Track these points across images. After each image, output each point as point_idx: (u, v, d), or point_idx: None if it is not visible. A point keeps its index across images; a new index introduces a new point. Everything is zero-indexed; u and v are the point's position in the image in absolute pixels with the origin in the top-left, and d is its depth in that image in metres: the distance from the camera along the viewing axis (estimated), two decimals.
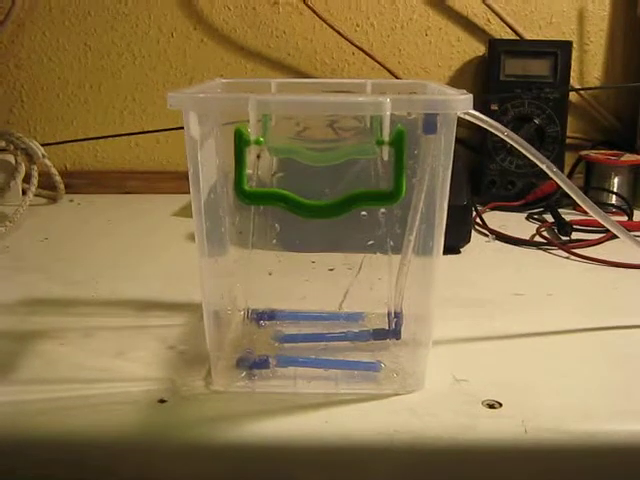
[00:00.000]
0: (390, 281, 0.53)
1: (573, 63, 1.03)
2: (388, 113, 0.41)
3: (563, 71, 1.00)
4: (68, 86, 1.09)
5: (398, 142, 0.41)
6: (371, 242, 0.50)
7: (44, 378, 0.50)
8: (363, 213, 0.48)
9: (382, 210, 0.49)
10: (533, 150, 0.53)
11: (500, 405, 0.47)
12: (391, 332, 0.54)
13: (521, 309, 0.64)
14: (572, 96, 1.06)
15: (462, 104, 0.43)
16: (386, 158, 0.42)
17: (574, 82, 1.06)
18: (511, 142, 0.52)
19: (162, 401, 0.47)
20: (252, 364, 0.50)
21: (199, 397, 0.48)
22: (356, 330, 0.55)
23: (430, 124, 0.46)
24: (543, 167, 0.54)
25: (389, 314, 0.54)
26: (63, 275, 0.71)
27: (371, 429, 0.44)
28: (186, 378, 0.50)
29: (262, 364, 0.49)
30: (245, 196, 0.42)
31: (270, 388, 0.48)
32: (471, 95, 0.43)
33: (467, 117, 0.47)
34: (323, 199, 0.45)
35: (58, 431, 0.44)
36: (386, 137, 0.41)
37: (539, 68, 1.00)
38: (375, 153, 0.53)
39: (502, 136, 0.51)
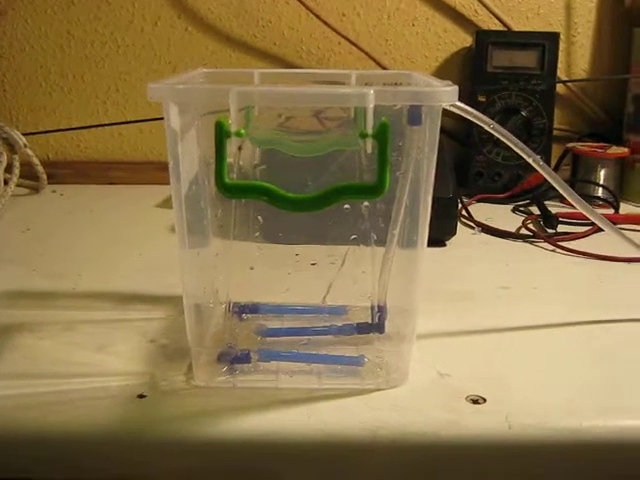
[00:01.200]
0: (374, 275, 0.52)
1: (560, 55, 1.02)
2: (371, 105, 0.40)
3: (550, 63, 1.00)
4: (50, 75, 1.07)
5: (382, 135, 0.40)
6: (354, 236, 0.49)
7: (22, 372, 0.49)
8: (346, 206, 0.47)
9: (365, 204, 0.48)
10: (519, 143, 0.52)
11: (484, 400, 0.46)
12: (375, 326, 0.53)
13: (507, 303, 0.63)
14: (559, 88, 1.05)
15: (447, 96, 0.42)
16: (370, 151, 0.41)
17: (561, 74, 1.05)
18: (497, 135, 0.51)
19: (142, 396, 0.46)
20: (233, 359, 0.49)
21: (179, 392, 0.47)
22: (340, 324, 0.54)
23: (415, 115, 0.46)
24: (529, 160, 0.53)
25: (372, 308, 0.53)
26: (44, 267, 0.70)
27: (354, 424, 0.44)
28: (166, 373, 0.49)
29: (244, 359, 0.49)
30: (226, 189, 0.42)
31: (252, 383, 0.48)
32: (456, 87, 0.43)
33: (453, 109, 0.47)
34: (306, 191, 0.44)
35: (36, 427, 0.43)
36: (369, 130, 0.41)
37: (526, 60, 1.00)
38: (358, 145, 0.53)
39: (488, 128, 0.51)
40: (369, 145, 0.41)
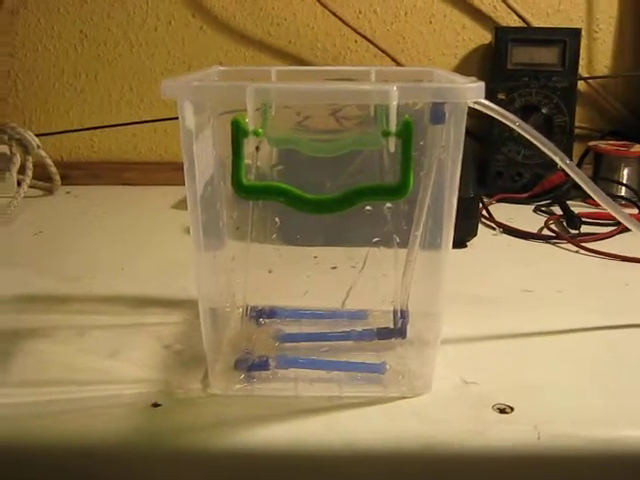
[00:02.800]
0: (396, 278, 0.51)
1: (581, 51, 1.00)
2: (395, 102, 0.38)
3: (571, 59, 0.98)
4: (64, 75, 1.06)
5: (405, 133, 0.39)
6: (377, 239, 0.48)
7: (34, 380, 0.48)
8: (368, 208, 0.46)
9: (388, 205, 0.46)
10: (545, 141, 0.50)
11: (511, 409, 0.44)
12: (396, 331, 0.51)
13: (531, 307, 0.61)
14: (580, 85, 1.03)
15: (473, 92, 0.40)
16: (392, 150, 0.39)
17: (582, 71, 1.03)
18: (523, 133, 0.50)
19: (156, 405, 0.45)
20: (251, 365, 0.47)
21: (195, 401, 0.45)
22: (360, 329, 0.52)
23: (438, 113, 0.44)
24: (556, 159, 0.51)
25: (395, 312, 0.51)
26: (57, 270, 0.69)
27: (376, 435, 0.42)
28: (182, 380, 0.48)
29: (261, 365, 0.47)
30: (243, 190, 0.40)
31: (270, 391, 0.46)
32: (482, 83, 0.41)
33: (477, 106, 0.45)
34: (325, 193, 0.43)
35: (45, 437, 0.42)
36: (393, 128, 0.39)
37: (547, 56, 0.98)
38: (380, 144, 0.51)
39: (514, 126, 0.49)
40: (392, 144, 0.39)
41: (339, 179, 0.50)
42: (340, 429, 0.42)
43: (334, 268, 0.53)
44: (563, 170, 0.97)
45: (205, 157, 0.47)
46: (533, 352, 0.53)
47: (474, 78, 0.43)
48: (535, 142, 0.50)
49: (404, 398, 0.46)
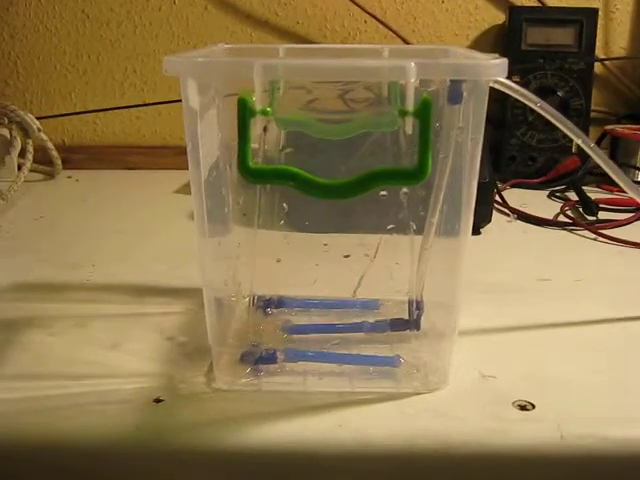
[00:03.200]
0: (411, 266, 0.48)
1: (598, 32, 0.97)
2: (413, 80, 0.36)
3: (588, 40, 0.95)
4: (65, 56, 1.04)
5: (424, 113, 0.36)
6: (391, 226, 0.45)
7: (30, 373, 0.46)
8: (383, 193, 0.43)
9: (404, 190, 0.44)
10: (568, 123, 0.48)
11: (533, 406, 0.42)
12: (411, 322, 0.49)
13: (549, 296, 0.59)
14: (596, 67, 1.00)
15: (496, 70, 0.38)
16: (410, 131, 0.37)
17: (599, 52, 1.00)
18: (544, 114, 0.47)
19: (158, 400, 0.42)
20: (258, 359, 0.45)
21: (199, 396, 0.43)
22: (372, 320, 0.50)
23: (456, 93, 0.41)
24: (579, 141, 0.49)
25: (409, 303, 0.49)
26: (57, 257, 0.67)
27: (390, 434, 0.40)
28: (185, 374, 0.45)
29: (269, 359, 0.45)
30: (250, 174, 0.37)
31: (277, 386, 0.44)
32: (506, 60, 0.38)
33: (497, 86, 0.42)
34: (337, 177, 0.40)
35: (42, 434, 0.40)
36: (410, 107, 0.36)
37: (563, 37, 0.95)
38: (394, 125, 0.48)
39: (535, 107, 0.46)
40: (409, 124, 0.37)
41: (351, 163, 0.47)
42: (351, 427, 0.40)
43: (346, 256, 0.51)
44: (578, 154, 0.95)
45: (210, 139, 0.44)
46: (553, 344, 0.50)
47: (496, 55, 0.41)
48: (557, 124, 0.48)
49: (419, 394, 0.43)
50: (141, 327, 0.52)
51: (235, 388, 0.44)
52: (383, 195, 0.43)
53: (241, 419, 0.41)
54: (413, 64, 0.35)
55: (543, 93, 0.95)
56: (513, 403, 0.42)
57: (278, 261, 0.49)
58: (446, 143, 0.43)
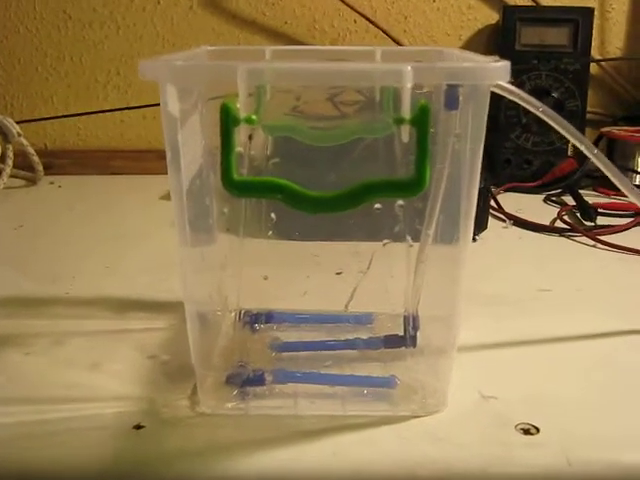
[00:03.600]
0: (407, 279, 0.46)
1: (594, 32, 0.95)
2: (409, 85, 0.33)
3: (584, 40, 0.93)
4: (47, 59, 1.01)
5: (421, 120, 0.34)
6: (386, 241, 0.43)
7: (2, 397, 0.43)
8: (377, 206, 0.40)
9: (400, 202, 0.41)
10: (571, 128, 0.46)
11: (537, 430, 0.40)
12: (406, 339, 0.46)
13: (549, 308, 0.56)
14: (592, 68, 0.98)
15: (498, 73, 0.35)
16: (406, 140, 0.34)
17: (594, 52, 0.98)
18: (547, 119, 0.45)
19: (138, 427, 0.40)
20: (245, 381, 0.42)
21: (182, 421, 0.40)
22: (365, 336, 0.47)
23: (453, 97, 0.39)
24: (582, 148, 0.47)
25: (405, 318, 0.46)
26: (36, 269, 0.64)
27: (387, 461, 0.37)
28: (168, 397, 0.43)
29: (257, 380, 0.42)
30: (234, 187, 0.35)
31: (266, 410, 0.41)
32: (508, 62, 0.36)
33: (497, 90, 0.40)
34: (328, 188, 0.38)
35: (13, 466, 0.37)
36: (406, 114, 0.34)
37: (558, 37, 0.92)
38: (387, 131, 0.46)
39: (537, 112, 0.44)
40: (405, 133, 0.34)
41: (342, 172, 0.45)
42: (345, 454, 0.38)
43: (338, 274, 0.48)
44: (574, 157, 0.93)
45: (192, 147, 0.42)
46: (555, 360, 0.48)
47: (495, 57, 0.38)
48: (560, 130, 0.46)
49: (416, 417, 0.41)
50: (122, 345, 0.49)
51: (221, 412, 0.41)
52: (378, 209, 0.40)
53: (227, 447, 0.38)
54: (410, 68, 0.33)
55: (537, 94, 0.91)
56: (516, 426, 0.40)
57: (265, 278, 0.46)
58: (442, 151, 0.41)
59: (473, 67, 0.35)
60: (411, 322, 0.45)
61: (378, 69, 0.34)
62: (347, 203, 0.34)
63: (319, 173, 0.44)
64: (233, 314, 0.51)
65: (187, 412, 0.41)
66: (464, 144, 0.39)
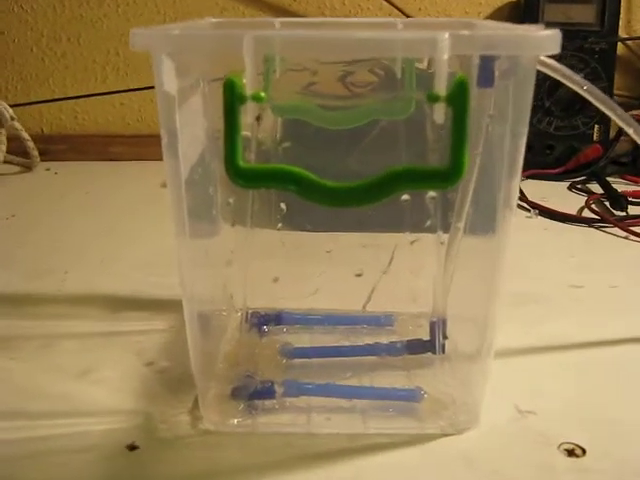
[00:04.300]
0: (434, 278, 0.41)
1: (621, 9, 0.89)
2: (445, 56, 0.28)
3: (611, 18, 0.87)
4: (42, 39, 0.96)
5: (459, 98, 0.29)
6: (414, 239, 0.38)
7: None
8: (405, 197, 0.35)
9: (432, 194, 0.36)
10: (619, 110, 0.41)
11: (583, 452, 0.35)
12: (432, 344, 0.42)
13: (584, 307, 0.52)
14: (618, 48, 0.92)
15: (549, 43, 0.30)
16: (441, 121, 0.29)
17: (621, 31, 0.92)
18: (591, 98, 0.40)
19: (132, 447, 0.35)
20: (252, 393, 0.38)
21: (182, 441, 0.36)
22: (385, 341, 0.43)
23: (487, 73, 0.34)
24: (630, 132, 0.42)
25: (431, 321, 0.42)
26: (27, 263, 0.59)
27: None
28: (166, 411, 0.38)
29: (265, 393, 0.38)
30: (240, 176, 0.30)
31: (276, 427, 0.37)
32: (558, 31, 0.31)
33: (538, 66, 0.35)
34: (344, 177, 0.33)
35: None
36: (442, 91, 0.29)
37: (583, 14, 0.87)
38: (408, 112, 0.41)
39: (580, 91, 0.39)
40: (440, 112, 0.29)
41: (359, 159, 0.40)
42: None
43: (359, 275, 0.43)
44: (600, 142, 0.87)
45: (193, 130, 0.37)
46: (599, 368, 0.43)
47: (539, 25, 0.33)
48: (606, 110, 0.41)
49: (445, 435, 0.36)
50: (116, 349, 0.45)
51: (225, 430, 0.37)
52: (405, 200, 0.35)
53: (232, 471, 0.34)
54: (447, 35, 0.28)
55: None
56: (559, 447, 0.35)
57: (276, 280, 0.42)
58: (475, 135, 0.36)
59: (522, 36, 0.30)
60: (440, 326, 0.40)
61: (407, 37, 0.29)
62: (372, 195, 0.29)
63: (334, 160, 0.39)
64: (239, 314, 0.46)
65: (187, 429, 0.36)
66: (503, 127, 0.34)
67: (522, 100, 0.32)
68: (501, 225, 0.35)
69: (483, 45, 0.29)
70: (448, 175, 0.29)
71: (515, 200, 0.34)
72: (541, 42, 0.30)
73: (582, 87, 0.39)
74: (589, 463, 0.34)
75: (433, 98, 0.29)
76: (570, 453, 0.35)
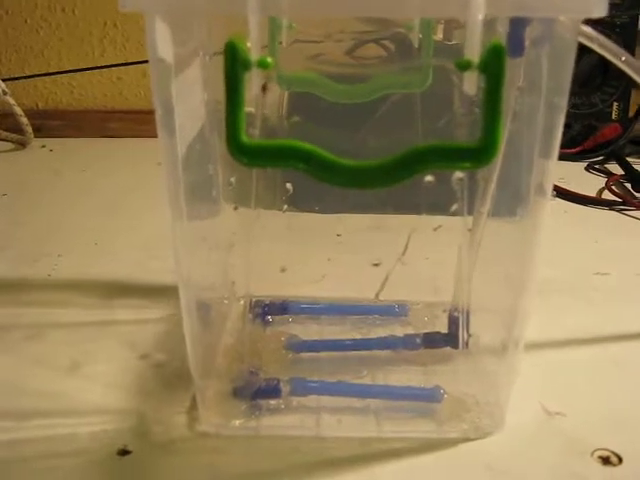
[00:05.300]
0: (457, 263, 0.38)
1: None
2: (480, 17, 0.25)
3: None
4: (37, 9, 0.92)
5: (495, 65, 0.25)
6: (437, 226, 0.34)
7: None
8: (428, 179, 0.32)
9: (459, 175, 0.33)
10: None
11: (619, 460, 0.32)
12: (452, 337, 0.38)
13: (611, 296, 0.48)
14: None
15: (596, 3, 0.26)
16: (472, 92, 0.26)
17: None
18: (630, 71, 0.36)
19: (124, 452, 0.32)
20: (256, 392, 0.34)
21: (178, 445, 0.33)
22: (400, 334, 0.39)
23: (518, 40, 0.30)
24: None
25: (451, 311, 0.38)
26: (17, 245, 0.56)
27: None
28: (161, 410, 0.35)
29: (271, 392, 0.34)
30: (243, 153, 0.26)
31: (282, 430, 0.34)
32: None
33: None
34: (360, 154, 0.29)
35: None
36: (475, 57, 0.25)
37: None
38: (424, 84, 0.38)
39: (618, 63, 0.36)
40: (471, 82, 0.26)
41: (376, 133, 0.37)
42: None
43: (376, 264, 0.40)
44: (619, 121, 0.84)
45: (191, 103, 0.34)
46: (632, 365, 0.40)
47: None
48: None
49: (467, 440, 0.33)
50: (108, 340, 0.41)
51: (226, 432, 0.33)
52: (429, 181, 0.32)
53: (234, 478, 0.31)
54: None
55: (580, 50, 0.82)
56: (592, 453, 0.32)
57: (283, 270, 0.38)
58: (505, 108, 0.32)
59: None
60: (463, 318, 0.37)
61: None
62: (394, 176, 0.26)
63: (346, 136, 0.36)
64: (242, 302, 0.43)
65: (184, 432, 0.33)
66: (535, 101, 0.30)
67: (561, 69, 0.29)
68: (533, 211, 0.31)
69: (522, 5, 0.26)
70: (481, 152, 0.25)
71: (550, 185, 0.31)
72: (586, 2, 0.26)
73: (620, 58, 0.36)
74: (626, 471, 0.31)
75: (464, 65, 0.25)
76: (605, 461, 0.32)
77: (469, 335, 0.36)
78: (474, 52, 0.25)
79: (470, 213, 0.34)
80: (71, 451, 0.32)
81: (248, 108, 0.28)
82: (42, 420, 0.34)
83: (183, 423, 0.34)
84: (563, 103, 0.29)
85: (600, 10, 0.27)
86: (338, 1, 0.25)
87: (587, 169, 0.79)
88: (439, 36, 0.40)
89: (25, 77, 0.91)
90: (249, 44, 0.26)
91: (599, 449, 0.32)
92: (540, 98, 0.30)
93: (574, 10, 0.27)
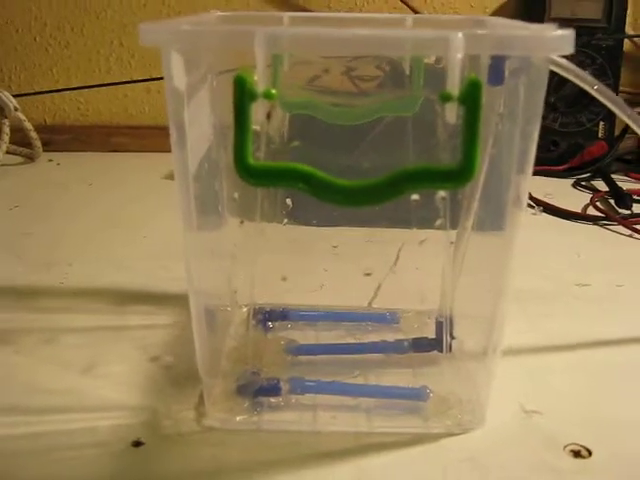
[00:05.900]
0: (441, 274, 0.41)
1: (628, 6, 0.88)
2: (459, 55, 0.28)
3: (618, 15, 0.87)
4: (46, 28, 0.96)
5: (472, 98, 0.28)
6: (423, 239, 0.38)
7: None
8: (415, 197, 0.35)
9: (442, 194, 0.36)
10: (629, 110, 0.40)
11: (589, 453, 0.35)
12: (438, 342, 0.42)
13: (590, 306, 0.51)
14: (625, 45, 0.92)
15: (563, 43, 0.30)
16: (453, 121, 0.29)
17: (628, 28, 0.92)
18: (602, 99, 0.40)
19: (137, 444, 0.35)
20: (258, 390, 0.38)
21: (187, 437, 0.36)
22: (391, 339, 0.43)
23: (498, 71, 0.34)
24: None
25: (438, 318, 0.42)
26: (30, 254, 0.59)
27: None
28: (171, 407, 0.38)
29: (271, 390, 0.38)
30: (250, 174, 0.30)
31: (282, 425, 0.37)
32: (572, 31, 0.31)
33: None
34: (350, 174, 0.32)
35: None
36: (455, 90, 0.28)
37: (590, 10, 0.86)
38: (413, 109, 0.41)
39: (591, 91, 0.39)
40: (452, 112, 0.29)
41: (365, 157, 0.40)
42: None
43: (368, 275, 0.43)
44: (605, 139, 0.87)
45: (200, 125, 0.37)
46: (606, 368, 0.43)
47: (551, 25, 0.33)
48: (616, 110, 0.40)
49: (451, 435, 0.36)
50: (120, 344, 0.45)
51: (230, 427, 0.36)
52: (415, 200, 0.35)
53: (237, 469, 0.34)
54: (460, 35, 0.28)
55: None
56: (565, 448, 0.35)
57: (284, 279, 0.42)
58: (484, 133, 0.36)
59: (537, 36, 0.29)
60: (447, 323, 0.40)
61: (420, 36, 0.29)
62: (383, 194, 0.29)
63: (341, 157, 0.39)
64: (245, 310, 0.46)
65: (192, 426, 0.36)
66: (512, 125, 0.34)
67: (533, 99, 0.32)
68: (510, 223, 0.35)
69: (497, 45, 0.29)
70: (460, 174, 0.29)
71: (525, 198, 0.34)
72: (555, 42, 0.30)
73: (593, 87, 0.39)
74: (595, 464, 0.34)
75: (445, 98, 0.28)
76: (576, 454, 0.35)
77: (452, 338, 0.39)
78: (454, 86, 0.28)
79: (453, 227, 0.37)
80: (89, 443, 0.35)
81: (255, 126, 0.31)
82: (60, 415, 0.37)
83: (191, 418, 0.37)
84: (536, 129, 0.32)
85: (567, 49, 0.30)
86: (336, 41, 0.29)
87: (574, 186, 0.83)
88: (431, 59, 0.43)
89: (34, 93, 0.94)
90: (255, 77, 0.29)
91: (571, 444, 0.35)
92: (516, 123, 0.33)
93: (545, 49, 0.30)
